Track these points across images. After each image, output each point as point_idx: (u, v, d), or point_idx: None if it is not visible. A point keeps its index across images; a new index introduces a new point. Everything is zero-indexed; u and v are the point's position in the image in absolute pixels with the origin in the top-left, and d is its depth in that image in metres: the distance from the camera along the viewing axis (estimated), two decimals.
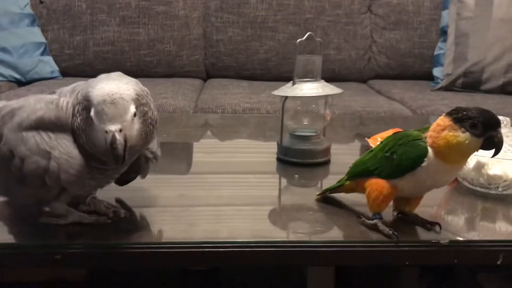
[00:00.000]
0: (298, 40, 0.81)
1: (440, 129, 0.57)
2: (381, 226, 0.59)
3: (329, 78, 2.11)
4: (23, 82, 1.94)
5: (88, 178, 0.57)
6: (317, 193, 0.69)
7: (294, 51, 2.16)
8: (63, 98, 0.60)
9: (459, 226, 0.65)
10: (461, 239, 0.60)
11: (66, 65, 2.03)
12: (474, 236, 0.62)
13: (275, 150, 0.85)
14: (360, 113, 1.59)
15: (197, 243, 0.57)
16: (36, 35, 1.99)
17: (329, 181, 0.81)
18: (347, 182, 0.65)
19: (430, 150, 0.57)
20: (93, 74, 2.02)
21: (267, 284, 0.84)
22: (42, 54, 1.98)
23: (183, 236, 0.59)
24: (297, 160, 0.83)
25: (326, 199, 0.69)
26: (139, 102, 0.55)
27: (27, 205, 0.61)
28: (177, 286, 0.88)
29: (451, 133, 0.56)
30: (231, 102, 1.65)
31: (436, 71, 2.05)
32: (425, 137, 0.58)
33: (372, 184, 0.60)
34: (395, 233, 0.57)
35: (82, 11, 2.04)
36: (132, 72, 2.02)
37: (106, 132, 0.53)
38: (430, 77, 2.10)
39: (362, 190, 0.63)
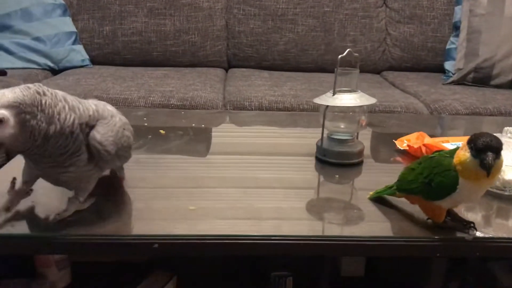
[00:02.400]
0: (340, 56, 0.92)
1: (460, 148, 0.68)
2: (450, 223, 0.72)
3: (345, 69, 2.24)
4: (56, 70, 2.04)
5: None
6: (370, 193, 0.81)
7: (312, 43, 2.26)
8: None
9: (481, 223, 0.77)
10: (483, 235, 0.71)
11: (96, 53, 2.13)
12: (493, 232, 0.74)
13: (309, 149, 0.97)
14: (378, 107, 1.69)
15: (246, 236, 0.68)
16: (67, 24, 2.08)
17: (364, 180, 0.93)
18: (397, 193, 0.77)
19: (460, 177, 0.67)
20: (122, 63, 2.14)
21: (304, 265, 0.96)
22: (74, 43, 2.08)
23: (241, 229, 0.70)
24: (335, 161, 0.95)
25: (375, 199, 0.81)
26: (19, 109, 0.60)
27: None
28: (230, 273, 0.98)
29: (462, 152, 0.67)
30: (257, 95, 1.75)
31: (448, 65, 2.15)
32: (455, 164, 0.67)
33: (422, 206, 0.73)
34: (472, 223, 0.71)
35: (111, 2, 2.13)
36: (159, 61, 2.15)
37: None
38: (441, 70, 2.20)
39: (412, 201, 0.75)
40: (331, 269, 0.97)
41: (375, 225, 0.74)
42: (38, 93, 0.62)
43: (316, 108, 1.67)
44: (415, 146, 0.98)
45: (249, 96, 1.73)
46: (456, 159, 0.67)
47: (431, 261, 0.83)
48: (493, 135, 0.65)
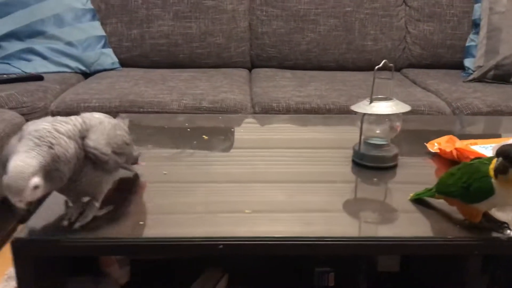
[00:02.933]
0: (376, 67, 0.98)
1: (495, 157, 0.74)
2: (485, 223, 0.78)
3: (366, 67, 2.31)
4: (88, 73, 2.11)
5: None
6: (411, 195, 0.88)
7: (333, 42, 2.31)
8: None
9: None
10: None
11: (124, 56, 2.20)
12: None
13: (344, 153, 1.04)
14: None
15: (289, 238, 0.75)
16: (97, 29, 2.15)
17: (401, 182, 1.00)
18: (436, 195, 0.83)
19: (496, 183, 0.73)
20: (150, 65, 2.23)
21: (344, 261, 1.03)
22: (103, 46, 2.15)
23: (295, 231, 0.78)
24: (372, 165, 1.02)
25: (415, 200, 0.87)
26: (45, 170, 0.66)
27: None
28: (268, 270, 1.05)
29: (493, 159, 0.74)
30: (283, 96, 1.81)
31: (468, 62, 2.20)
32: (491, 171, 0.73)
33: (460, 208, 0.80)
34: (505, 224, 0.77)
35: (138, 6, 2.19)
36: (185, 63, 2.22)
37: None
38: (460, 67, 2.25)
39: (450, 203, 0.81)
40: (369, 265, 1.04)
41: (417, 226, 0.80)
42: (50, 147, 0.68)
43: (342, 108, 1.74)
44: (447, 150, 1.04)
45: (276, 97, 1.80)
46: (492, 167, 0.74)
47: (464, 258, 0.89)
48: None
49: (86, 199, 0.79)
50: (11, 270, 1.49)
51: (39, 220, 0.77)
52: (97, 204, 0.78)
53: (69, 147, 0.70)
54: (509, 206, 0.84)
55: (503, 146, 0.72)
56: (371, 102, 1.00)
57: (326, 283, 1.01)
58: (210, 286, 0.95)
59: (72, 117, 0.75)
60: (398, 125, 1.03)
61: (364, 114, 1.00)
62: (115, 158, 0.77)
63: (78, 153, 0.71)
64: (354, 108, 1.02)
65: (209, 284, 0.95)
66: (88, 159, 0.73)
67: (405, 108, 1.00)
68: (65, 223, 0.75)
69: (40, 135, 0.68)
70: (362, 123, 1.01)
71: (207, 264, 1.00)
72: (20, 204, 0.67)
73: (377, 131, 1.05)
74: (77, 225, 0.75)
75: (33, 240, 0.74)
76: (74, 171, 0.71)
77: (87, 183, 0.75)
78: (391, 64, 1.01)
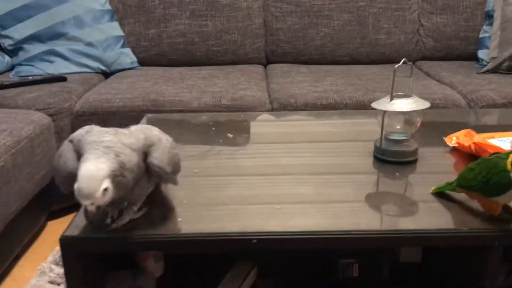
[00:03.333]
0: (396, 65, 1.01)
1: None
2: (505, 215, 0.82)
3: (380, 60, 2.34)
4: (108, 73, 2.17)
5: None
6: (432, 188, 0.92)
7: (347, 37, 2.33)
8: None
9: None
10: None
11: (143, 56, 2.26)
12: None
13: (365, 148, 1.07)
14: None
15: (318, 232, 0.79)
16: (115, 29, 2.21)
17: (421, 176, 1.03)
18: (457, 189, 0.87)
19: None
20: (168, 64, 2.28)
21: (368, 253, 1.08)
22: (122, 46, 2.20)
23: (322, 226, 0.82)
24: (394, 159, 1.06)
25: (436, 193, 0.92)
26: (113, 175, 0.71)
27: None
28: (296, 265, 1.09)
29: (511, 154, 0.78)
30: (300, 91, 1.85)
31: (481, 53, 2.22)
32: (510, 165, 0.77)
33: (480, 201, 0.84)
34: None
35: (155, 6, 2.24)
36: (201, 61, 2.27)
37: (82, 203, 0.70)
38: (474, 58, 2.27)
39: (471, 197, 0.85)
40: (391, 256, 1.08)
41: (438, 218, 0.85)
42: (117, 155, 0.73)
43: (359, 103, 1.77)
44: (466, 144, 1.07)
45: (294, 93, 1.84)
46: (510, 161, 0.78)
47: (484, 249, 0.93)
48: None
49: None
50: (43, 265, 1.55)
51: (83, 219, 0.82)
52: (135, 209, 0.83)
53: (133, 158, 0.75)
54: None
55: None
56: (391, 99, 1.03)
57: (351, 274, 1.06)
58: (241, 279, 1.00)
59: (133, 129, 0.80)
60: (418, 120, 1.06)
61: (385, 111, 1.04)
62: (173, 176, 0.82)
63: (139, 165, 0.76)
64: (375, 105, 1.05)
65: (240, 276, 1.00)
66: (145, 173, 0.78)
67: (425, 104, 1.04)
68: (108, 221, 0.80)
69: (107, 146, 0.73)
70: (383, 120, 1.05)
71: (238, 257, 1.05)
72: (91, 207, 0.71)
73: (397, 127, 1.09)
74: (113, 226, 0.80)
75: (79, 238, 0.79)
76: (135, 181, 0.76)
77: (138, 192, 0.80)
78: (410, 63, 1.04)
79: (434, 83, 2.01)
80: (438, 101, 1.79)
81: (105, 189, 0.71)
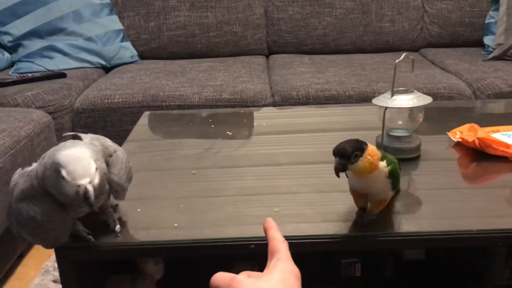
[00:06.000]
0: (397, 60, 0.98)
1: None
2: None
3: (384, 48, 2.29)
4: (108, 67, 2.15)
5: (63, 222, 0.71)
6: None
7: (350, 25, 2.29)
8: (33, 167, 0.72)
9: None
10: None
11: (143, 49, 2.23)
12: None
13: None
14: (422, 90, 1.75)
15: (317, 236, 0.78)
16: (115, 23, 2.18)
17: (422, 174, 1.01)
18: None
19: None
20: (169, 56, 2.25)
21: (371, 251, 1.06)
22: (122, 40, 2.18)
23: (322, 230, 0.80)
24: (396, 156, 1.03)
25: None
26: (94, 157, 0.68)
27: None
28: None
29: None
30: (302, 83, 1.83)
31: (487, 40, 2.17)
32: None
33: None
34: None
35: None
36: (203, 53, 2.24)
37: (79, 186, 0.65)
38: (480, 45, 2.23)
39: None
40: (394, 255, 1.07)
41: (441, 218, 0.83)
42: (85, 144, 0.72)
43: (362, 94, 1.74)
44: (469, 140, 1.05)
45: (295, 86, 1.81)
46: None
47: (488, 248, 0.91)
48: None
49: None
50: (47, 264, 1.55)
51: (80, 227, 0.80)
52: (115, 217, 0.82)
53: (98, 153, 0.72)
54: None
55: (338, 145, 0.74)
56: (392, 95, 1.01)
57: (353, 273, 1.04)
58: None
59: (86, 141, 0.76)
60: (420, 116, 1.04)
61: (386, 107, 1.01)
62: (125, 192, 0.79)
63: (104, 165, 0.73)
64: (376, 101, 1.03)
65: None
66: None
67: (427, 100, 1.01)
68: (117, 227, 0.80)
69: (73, 144, 0.71)
70: (384, 116, 1.02)
71: (239, 257, 1.04)
72: (90, 186, 0.66)
73: (399, 123, 1.06)
74: (117, 228, 0.80)
75: (74, 247, 0.78)
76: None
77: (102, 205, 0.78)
78: (411, 57, 1.02)
79: (439, 71, 1.97)
80: (443, 91, 1.75)
81: (96, 168, 0.68)
